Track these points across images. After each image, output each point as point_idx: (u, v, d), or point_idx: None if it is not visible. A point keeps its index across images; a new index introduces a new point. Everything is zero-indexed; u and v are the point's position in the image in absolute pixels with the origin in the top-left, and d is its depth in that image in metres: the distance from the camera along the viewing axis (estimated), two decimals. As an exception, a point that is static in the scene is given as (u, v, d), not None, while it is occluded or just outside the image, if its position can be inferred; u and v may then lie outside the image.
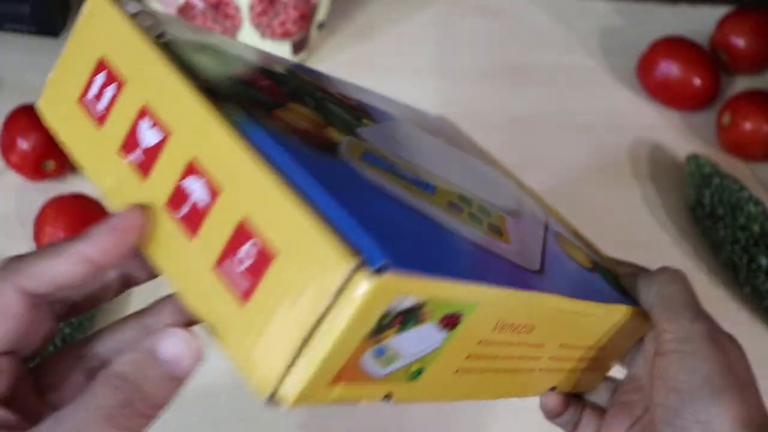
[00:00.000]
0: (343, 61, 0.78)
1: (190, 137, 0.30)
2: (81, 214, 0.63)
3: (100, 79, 0.33)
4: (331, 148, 0.33)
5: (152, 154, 0.30)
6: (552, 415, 0.44)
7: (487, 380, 0.37)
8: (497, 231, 0.37)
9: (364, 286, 0.25)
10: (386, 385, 0.30)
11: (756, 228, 0.63)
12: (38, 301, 0.30)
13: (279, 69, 0.39)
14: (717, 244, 0.66)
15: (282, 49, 0.74)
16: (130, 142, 0.31)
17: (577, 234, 0.48)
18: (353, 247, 0.26)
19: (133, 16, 0.33)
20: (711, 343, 0.38)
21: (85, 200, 0.64)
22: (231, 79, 0.34)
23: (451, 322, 0.30)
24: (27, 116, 0.67)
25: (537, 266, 0.37)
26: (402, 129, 0.44)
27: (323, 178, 0.29)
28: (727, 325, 0.40)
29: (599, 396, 0.45)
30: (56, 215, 0.63)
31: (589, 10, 0.83)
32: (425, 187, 0.36)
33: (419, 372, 0.31)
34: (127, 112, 0.31)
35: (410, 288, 0.27)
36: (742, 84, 0.77)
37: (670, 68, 0.75)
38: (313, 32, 0.77)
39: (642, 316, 0.41)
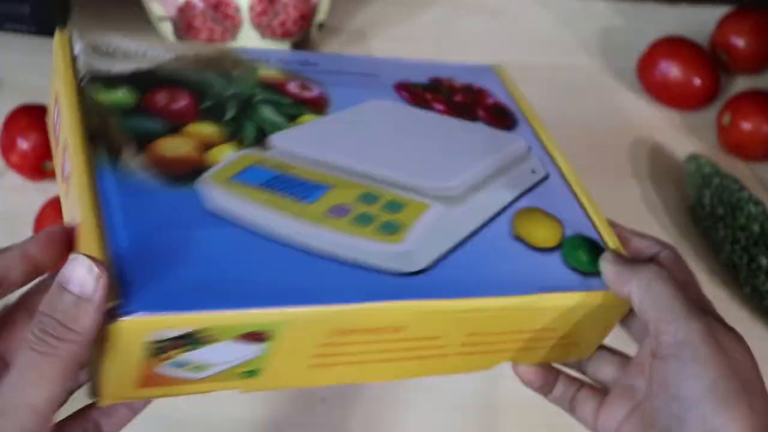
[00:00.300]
0: (343, 61, 0.78)
1: (77, 172, 0.35)
2: (81, 214, 0.63)
3: (56, 109, 0.39)
4: (194, 175, 0.37)
5: (68, 179, 0.36)
6: (531, 387, 0.44)
7: (371, 368, 0.38)
8: (393, 229, 0.37)
9: (117, 325, 0.31)
10: (218, 382, 0.34)
11: (756, 228, 0.63)
12: None
13: (233, 70, 0.43)
14: (717, 244, 0.66)
15: (282, 50, 0.74)
16: (63, 167, 0.37)
17: (579, 195, 0.46)
18: (123, 286, 0.31)
19: (74, 59, 0.39)
20: (712, 345, 0.36)
21: (85, 200, 0.64)
22: (135, 108, 0.39)
23: (257, 338, 0.33)
24: (27, 116, 0.67)
25: (425, 265, 0.37)
26: (365, 112, 0.44)
27: (135, 214, 0.34)
28: (727, 326, 0.40)
29: (605, 372, 0.44)
30: (56, 215, 0.63)
31: (589, 11, 0.83)
32: (308, 194, 0.38)
33: (256, 371, 0.35)
34: (61, 142, 0.38)
35: (165, 324, 0.31)
36: (742, 84, 0.77)
37: (670, 68, 0.75)
38: (313, 32, 0.77)
39: (611, 297, 0.40)
